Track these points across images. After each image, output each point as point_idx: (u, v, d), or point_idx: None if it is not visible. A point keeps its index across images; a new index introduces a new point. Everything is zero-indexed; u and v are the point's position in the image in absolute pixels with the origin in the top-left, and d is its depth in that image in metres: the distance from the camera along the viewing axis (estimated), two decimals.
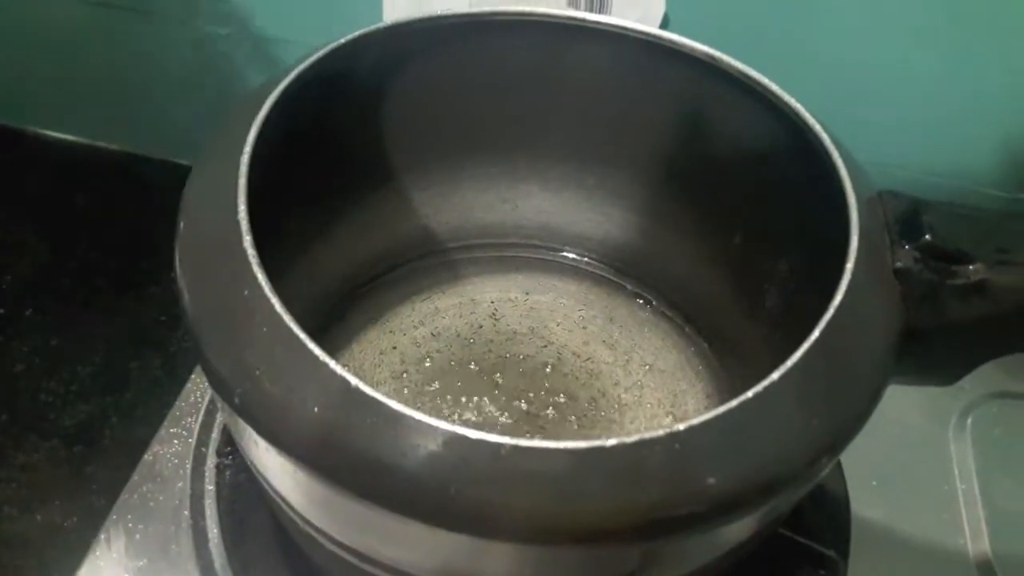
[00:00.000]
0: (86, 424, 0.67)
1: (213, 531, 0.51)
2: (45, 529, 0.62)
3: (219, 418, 0.56)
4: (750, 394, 0.31)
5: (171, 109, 0.80)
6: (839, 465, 0.56)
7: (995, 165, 0.66)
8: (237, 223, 0.34)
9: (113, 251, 0.77)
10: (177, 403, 0.58)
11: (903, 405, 0.61)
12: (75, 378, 0.69)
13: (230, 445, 0.54)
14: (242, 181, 0.35)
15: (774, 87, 0.43)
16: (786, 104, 0.42)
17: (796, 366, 0.32)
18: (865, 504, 0.56)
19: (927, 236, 0.37)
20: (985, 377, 0.63)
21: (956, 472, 0.59)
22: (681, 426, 0.30)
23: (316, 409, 0.30)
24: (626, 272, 0.59)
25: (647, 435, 0.30)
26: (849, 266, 0.35)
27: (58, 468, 0.65)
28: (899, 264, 0.37)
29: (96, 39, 0.76)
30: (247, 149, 0.37)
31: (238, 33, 0.70)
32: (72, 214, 0.80)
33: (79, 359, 0.70)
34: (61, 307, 0.74)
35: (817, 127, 0.41)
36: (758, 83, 0.43)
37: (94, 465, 0.65)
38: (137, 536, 0.51)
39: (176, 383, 0.61)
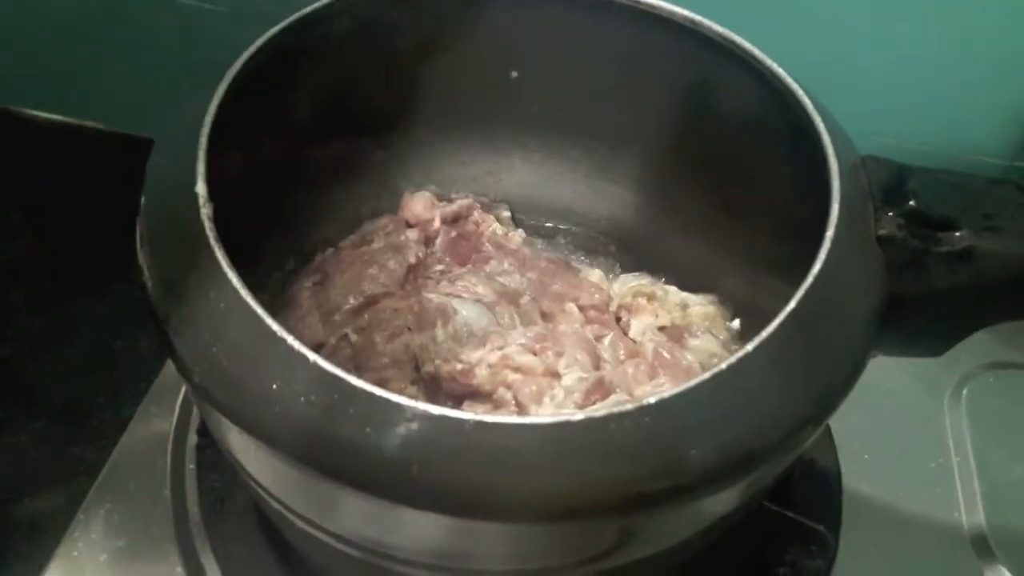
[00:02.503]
0: (72, 404, 0.66)
1: (193, 510, 0.50)
2: (33, 511, 0.61)
3: None
4: (723, 366, 0.30)
5: (159, 87, 0.79)
6: (830, 438, 0.56)
7: (991, 133, 0.65)
8: (195, 196, 0.33)
9: (98, 231, 0.76)
10: (157, 381, 0.57)
11: (896, 376, 0.60)
12: (61, 358, 0.68)
13: None
14: (201, 154, 0.34)
15: (756, 51, 0.42)
16: (768, 68, 0.41)
17: (771, 337, 0.31)
18: (857, 478, 0.55)
19: (911, 202, 0.36)
20: (980, 347, 0.62)
21: (951, 445, 0.58)
22: (652, 399, 0.29)
23: (275, 386, 0.30)
24: (610, 243, 0.58)
25: (616, 409, 0.29)
26: (829, 234, 0.34)
27: (45, 449, 0.64)
28: (882, 231, 0.36)
29: (83, 15, 0.74)
30: (207, 121, 0.36)
31: (229, 9, 0.69)
32: (57, 194, 0.79)
33: (65, 339, 0.69)
34: (47, 287, 0.73)
35: (800, 92, 0.40)
36: (740, 47, 0.42)
37: (81, 445, 0.64)
38: (116, 516, 0.50)
39: (163, 362, 0.60)
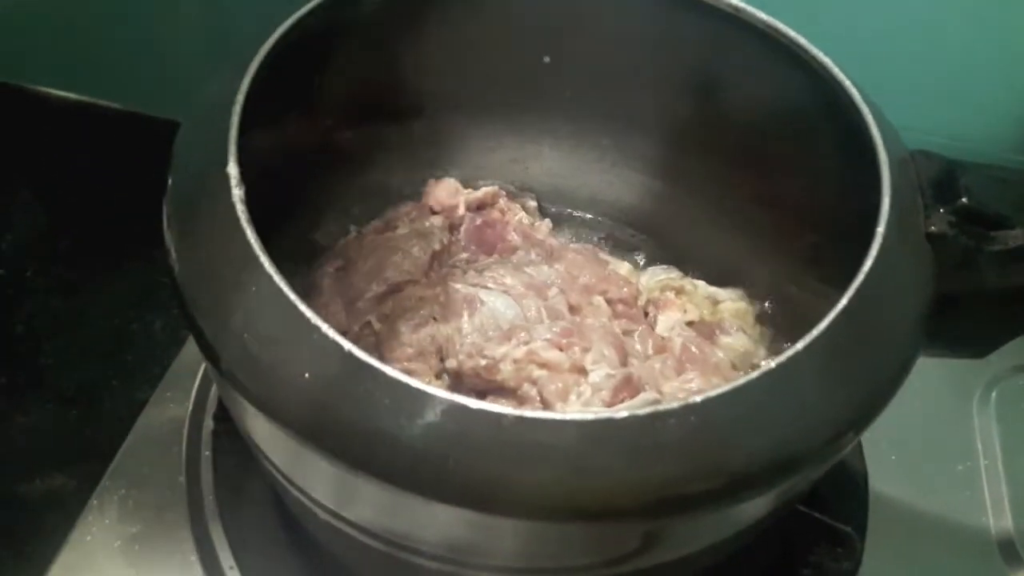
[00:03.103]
0: (86, 387, 0.65)
1: (209, 498, 0.49)
2: (43, 492, 0.60)
3: None
4: (772, 364, 0.29)
5: (177, 66, 0.77)
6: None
7: (1018, 129, 0.63)
8: (227, 177, 0.32)
9: (114, 212, 0.75)
10: (173, 366, 0.56)
11: (925, 378, 0.57)
12: (75, 340, 0.68)
13: (227, 410, 0.53)
14: (233, 133, 0.33)
15: (802, 40, 0.40)
16: (814, 59, 0.40)
17: (822, 335, 0.30)
18: (884, 480, 0.54)
19: (963, 199, 0.35)
20: (1011, 349, 0.60)
21: (979, 447, 0.57)
22: (698, 398, 0.28)
23: (308, 375, 0.29)
24: (637, 234, 0.57)
25: (661, 407, 0.28)
26: (880, 230, 0.33)
27: (57, 431, 0.63)
28: (933, 228, 0.35)
29: None
30: (239, 100, 0.35)
31: None
32: (72, 174, 0.78)
33: (79, 321, 0.69)
34: (61, 268, 0.72)
35: (848, 83, 0.38)
36: (786, 36, 0.41)
37: (93, 428, 0.63)
38: (130, 502, 0.50)
39: (178, 346, 0.59)
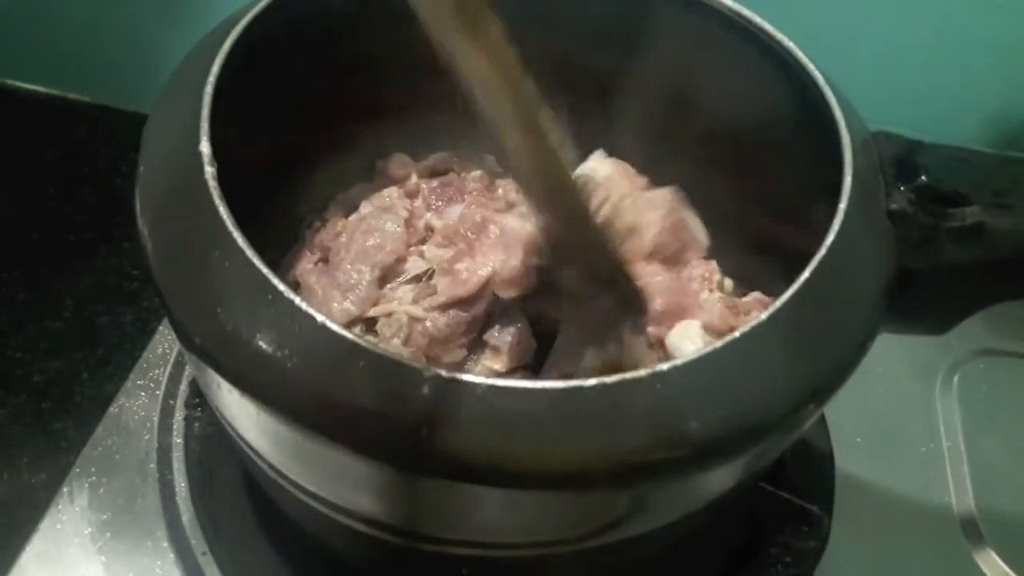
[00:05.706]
0: (55, 380, 0.65)
1: (181, 484, 0.50)
2: (12, 486, 0.60)
3: (187, 370, 0.54)
4: (737, 334, 0.30)
5: (146, 59, 0.77)
6: (823, 421, 0.56)
7: (983, 123, 0.65)
8: (199, 155, 0.32)
9: (83, 205, 0.75)
10: (144, 355, 0.56)
11: (889, 361, 0.60)
12: (44, 333, 0.67)
13: (199, 397, 0.53)
14: (205, 112, 0.33)
15: (766, 25, 0.41)
16: (778, 43, 0.41)
17: (785, 307, 0.31)
18: (850, 461, 0.55)
19: (923, 177, 0.36)
20: (972, 334, 0.63)
21: (942, 429, 0.59)
22: (664, 366, 0.29)
23: (280, 348, 0.29)
24: None
25: (628, 375, 0.28)
26: (842, 206, 0.34)
27: (26, 424, 0.63)
28: (894, 206, 0.35)
29: None
30: (211, 81, 0.35)
31: None
32: (41, 167, 0.77)
33: (48, 314, 0.68)
34: (29, 262, 0.71)
35: (811, 66, 0.39)
36: (750, 22, 0.42)
37: (63, 421, 0.63)
38: (101, 490, 0.50)
39: (148, 337, 0.59)
